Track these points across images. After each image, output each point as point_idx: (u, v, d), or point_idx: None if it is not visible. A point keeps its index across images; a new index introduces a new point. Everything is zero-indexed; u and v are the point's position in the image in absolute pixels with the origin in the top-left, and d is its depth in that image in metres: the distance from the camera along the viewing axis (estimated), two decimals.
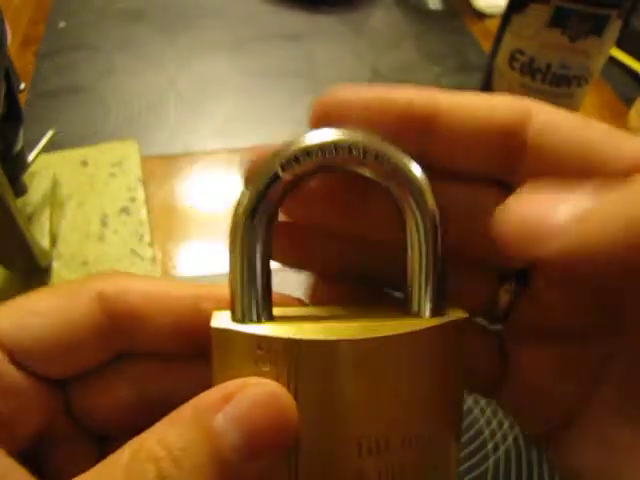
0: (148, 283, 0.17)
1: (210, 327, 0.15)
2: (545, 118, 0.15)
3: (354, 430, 0.14)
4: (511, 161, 0.16)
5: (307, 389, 0.14)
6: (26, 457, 0.15)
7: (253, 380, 0.14)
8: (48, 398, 0.16)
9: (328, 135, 0.15)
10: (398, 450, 0.14)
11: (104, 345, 0.16)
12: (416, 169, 0.15)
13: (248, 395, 0.13)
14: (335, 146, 0.15)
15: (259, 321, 0.15)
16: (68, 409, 0.17)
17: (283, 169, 0.15)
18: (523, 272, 0.18)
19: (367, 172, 0.15)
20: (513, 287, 0.18)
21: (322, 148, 0.15)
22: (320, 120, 0.16)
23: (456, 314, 0.16)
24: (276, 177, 0.15)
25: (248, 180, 0.16)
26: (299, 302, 0.18)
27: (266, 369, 0.14)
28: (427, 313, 0.16)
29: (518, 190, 0.14)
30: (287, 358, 0.14)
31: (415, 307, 0.16)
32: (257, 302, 0.15)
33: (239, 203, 0.15)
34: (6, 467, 0.14)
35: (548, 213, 0.13)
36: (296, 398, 0.14)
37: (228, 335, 0.14)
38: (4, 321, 0.15)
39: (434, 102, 0.16)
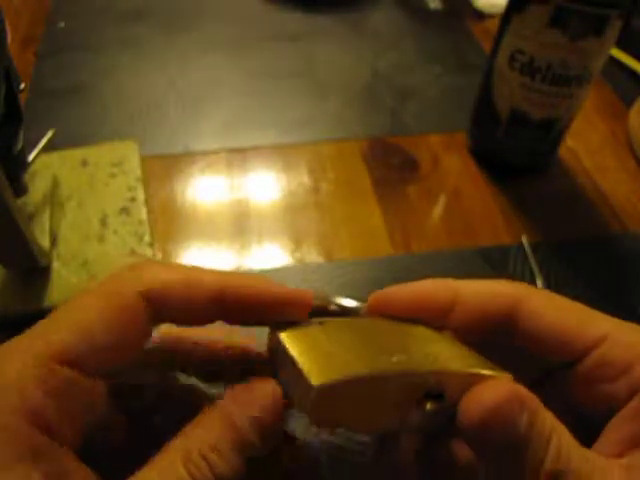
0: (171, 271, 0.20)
1: (286, 344, 0.19)
2: (530, 307, 0.20)
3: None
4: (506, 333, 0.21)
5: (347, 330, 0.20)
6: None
7: (258, 384, 0.18)
8: (100, 397, 0.19)
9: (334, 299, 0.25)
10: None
11: (140, 340, 0.19)
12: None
13: (256, 397, 0.18)
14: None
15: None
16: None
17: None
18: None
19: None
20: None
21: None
22: (374, 310, 0.22)
23: None
24: None
25: None
26: None
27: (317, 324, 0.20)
28: None
29: None
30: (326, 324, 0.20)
31: None
32: None
33: None
34: (72, 463, 0.17)
35: None
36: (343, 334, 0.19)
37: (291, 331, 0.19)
38: (68, 336, 0.17)
39: (454, 296, 0.21)
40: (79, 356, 0.17)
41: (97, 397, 0.18)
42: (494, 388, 0.17)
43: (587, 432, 0.19)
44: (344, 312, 0.22)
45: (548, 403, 0.18)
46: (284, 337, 0.19)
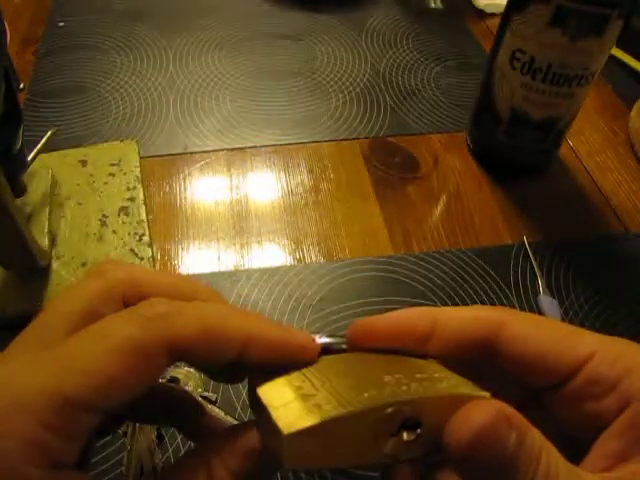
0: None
1: (259, 393, 0.19)
2: (513, 331, 0.20)
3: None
4: (487, 360, 0.21)
5: (325, 370, 0.20)
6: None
7: (240, 435, 0.19)
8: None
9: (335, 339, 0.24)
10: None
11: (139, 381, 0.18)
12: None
13: (236, 448, 0.19)
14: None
15: None
16: None
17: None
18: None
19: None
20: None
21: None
22: (353, 344, 0.22)
23: None
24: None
25: None
26: None
27: (293, 374, 0.20)
28: None
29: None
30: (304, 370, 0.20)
31: None
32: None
33: None
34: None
35: None
36: (319, 373, 0.19)
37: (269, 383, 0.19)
38: (67, 381, 0.16)
39: (432, 323, 0.21)
40: (95, 403, 0.17)
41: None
42: (481, 408, 0.16)
43: (574, 449, 0.19)
44: (324, 350, 0.22)
45: (534, 424, 0.17)
46: (258, 384, 0.19)
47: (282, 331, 0.20)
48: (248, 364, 0.20)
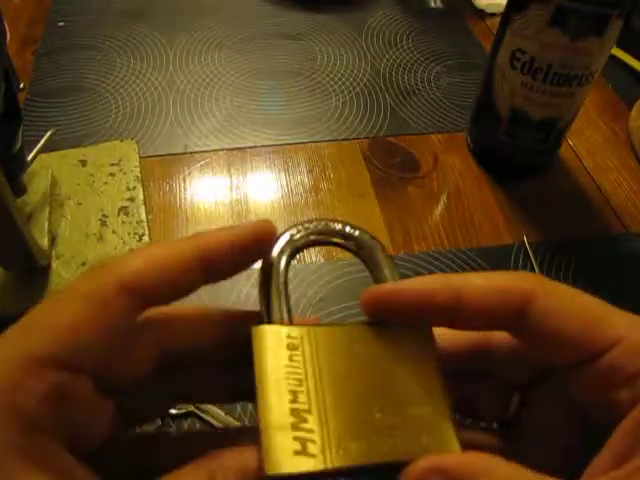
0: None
1: (251, 329, 0.19)
2: (543, 306, 0.19)
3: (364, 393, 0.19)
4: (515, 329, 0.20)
5: (324, 362, 0.19)
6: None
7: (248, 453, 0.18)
8: (112, 416, 0.19)
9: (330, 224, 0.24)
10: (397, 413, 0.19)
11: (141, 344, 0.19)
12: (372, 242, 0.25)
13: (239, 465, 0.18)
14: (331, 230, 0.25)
15: (285, 324, 0.20)
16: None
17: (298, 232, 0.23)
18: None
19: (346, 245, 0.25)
20: (518, 399, 0.22)
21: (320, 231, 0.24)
22: (370, 308, 0.21)
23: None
24: (291, 237, 0.22)
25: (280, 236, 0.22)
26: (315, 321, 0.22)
27: (296, 352, 0.19)
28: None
29: None
30: (308, 341, 0.20)
31: None
32: (285, 313, 0.21)
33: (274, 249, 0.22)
34: (70, 463, 0.16)
35: None
36: (318, 368, 0.19)
37: (267, 331, 0.19)
38: (50, 338, 0.17)
39: (456, 297, 0.20)
40: (65, 357, 0.17)
41: (95, 403, 0.18)
42: (417, 465, 0.17)
43: (594, 432, 0.18)
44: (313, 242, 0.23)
45: (551, 399, 0.17)
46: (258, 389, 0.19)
47: (230, 229, 0.20)
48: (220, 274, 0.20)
